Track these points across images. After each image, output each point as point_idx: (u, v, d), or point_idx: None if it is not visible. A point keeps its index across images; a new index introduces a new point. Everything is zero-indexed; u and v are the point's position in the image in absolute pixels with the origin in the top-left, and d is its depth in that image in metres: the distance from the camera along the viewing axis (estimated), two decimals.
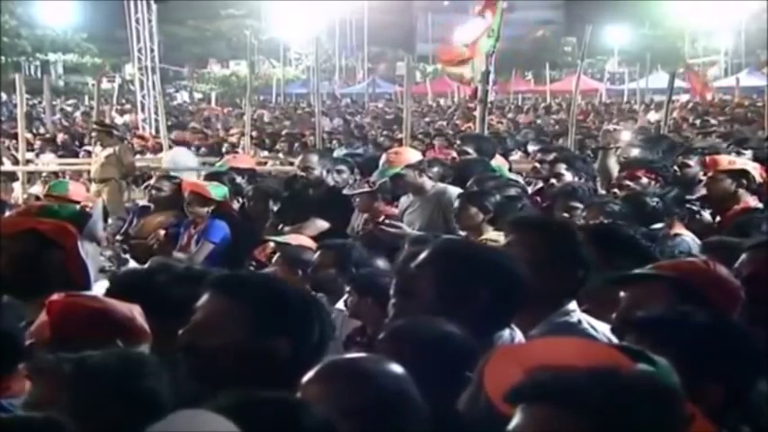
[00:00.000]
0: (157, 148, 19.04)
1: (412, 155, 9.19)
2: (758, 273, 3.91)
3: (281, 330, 3.25)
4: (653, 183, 8.59)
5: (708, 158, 9.03)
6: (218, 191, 9.16)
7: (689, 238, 6.89)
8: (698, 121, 24.82)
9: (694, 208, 7.86)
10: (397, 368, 2.95)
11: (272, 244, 8.15)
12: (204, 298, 3.34)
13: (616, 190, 8.33)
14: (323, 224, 9.02)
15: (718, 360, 3.00)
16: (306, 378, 2.91)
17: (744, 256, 4.08)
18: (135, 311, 3.57)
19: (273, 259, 7.73)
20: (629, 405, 2.37)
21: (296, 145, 19.57)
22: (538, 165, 10.22)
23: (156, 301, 3.70)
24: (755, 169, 8.63)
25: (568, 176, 9.05)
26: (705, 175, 9.48)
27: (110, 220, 10.69)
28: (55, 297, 3.65)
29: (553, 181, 8.98)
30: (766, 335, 3.58)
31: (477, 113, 14.47)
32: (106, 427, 2.90)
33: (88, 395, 2.93)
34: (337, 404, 2.74)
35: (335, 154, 13.93)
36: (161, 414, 2.36)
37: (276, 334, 3.24)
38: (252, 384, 2.66)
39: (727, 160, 8.81)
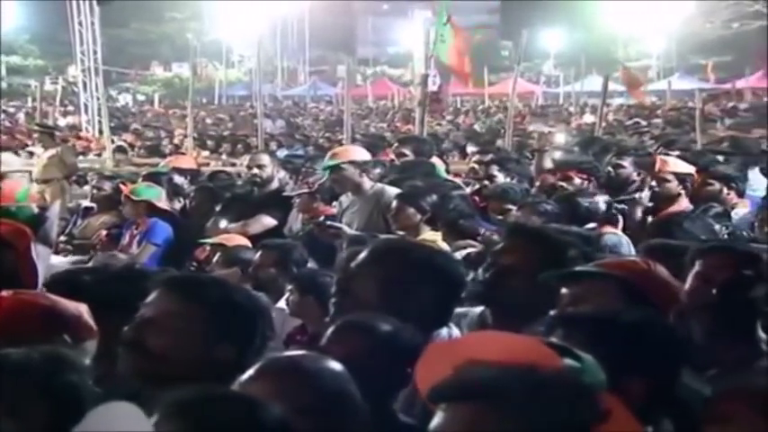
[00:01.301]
0: (100, 149, 18.95)
1: (360, 153, 9.20)
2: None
3: (230, 336, 3.24)
4: (586, 183, 8.67)
5: (659, 159, 9.12)
6: (149, 192, 9.16)
7: (619, 236, 6.93)
8: (631, 123, 25.05)
9: (624, 207, 7.91)
10: (336, 366, 2.94)
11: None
12: (155, 296, 3.32)
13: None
14: (269, 221, 9.02)
15: (643, 356, 3.02)
16: (245, 376, 2.90)
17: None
18: (82, 309, 3.55)
19: (215, 259, 7.72)
20: (549, 402, 2.39)
21: (238, 146, 19.54)
22: (476, 166, 10.28)
23: (93, 299, 3.67)
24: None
25: (501, 178, 9.10)
26: (638, 175, 9.57)
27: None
28: (3, 294, 3.63)
29: (486, 182, 9.04)
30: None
31: (416, 115, 14.53)
32: (30, 425, 2.87)
33: (10, 392, 2.90)
34: (277, 402, 2.71)
35: (278, 155, 13.92)
36: (86, 411, 2.36)
37: (224, 339, 3.23)
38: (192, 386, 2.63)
39: (673, 162, 8.90)
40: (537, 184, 9.42)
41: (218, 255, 7.62)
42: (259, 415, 2.49)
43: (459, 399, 2.42)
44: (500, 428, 2.37)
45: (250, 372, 2.92)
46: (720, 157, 10.27)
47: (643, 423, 2.76)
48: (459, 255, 5.63)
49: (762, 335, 3.87)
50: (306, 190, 8.79)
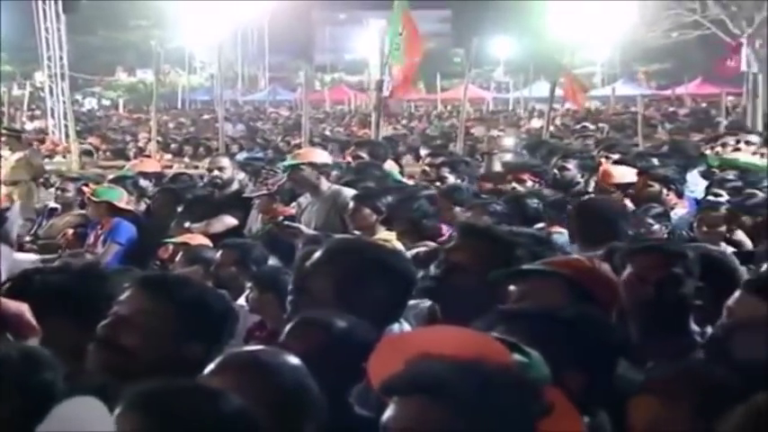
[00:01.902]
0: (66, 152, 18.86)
1: (318, 156, 9.21)
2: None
3: (199, 335, 3.22)
4: (535, 185, 8.72)
5: (602, 170, 9.20)
6: (109, 193, 9.15)
7: (566, 236, 6.96)
8: (578, 127, 25.17)
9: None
10: (294, 360, 2.93)
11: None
12: (128, 294, 3.29)
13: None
14: (231, 220, 9.01)
15: (582, 351, 3.04)
16: (207, 370, 2.89)
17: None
18: (23, 308, 3.52)
19: (177, 258, 7.70)
20: (497, 396, 2.39)
21: (200, 149, 19.48)
22: (427, 168, 10.32)
23: (57, 298, 3.63)
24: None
25: (451, 179, 9.14)
26: (582, 177, 9.62)
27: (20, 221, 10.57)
28: None
29: (437, 183, 9.08)
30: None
31: (372, 120, 14.52)
32: (4, 421, 2.84)
33: None
34: (237, 395, 2.69)
35: (238, 158, 13.89)
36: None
37: (193, 338, 3.21)
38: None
39: (618, 173, 8.97)
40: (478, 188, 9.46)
41: (180, 253, 7.60)
42: (220, 405, 2.48)
43: (411, 392, 2.42)
44: (450, 421, 2.37)
45: (211, 366, 2.91)
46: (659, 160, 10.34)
47: (581, 414, 2.78)
48: (409, 253, 5.63)
49: (695, 328, 3.91)
50: (265, 191, 8.78)
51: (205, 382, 2.83)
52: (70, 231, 9.17)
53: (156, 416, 2.42)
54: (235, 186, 9.48)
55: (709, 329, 3.89)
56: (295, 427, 2.85)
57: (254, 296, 5.82)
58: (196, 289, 3.38)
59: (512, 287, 3.76)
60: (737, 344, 3.17)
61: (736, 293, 3.32)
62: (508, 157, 10.37)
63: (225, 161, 9.78)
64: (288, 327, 3.50)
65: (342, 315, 3.49)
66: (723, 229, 7.23)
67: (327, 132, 26.72)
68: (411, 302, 4.35)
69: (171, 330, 3.20)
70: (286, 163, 9.01)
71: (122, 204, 9.08)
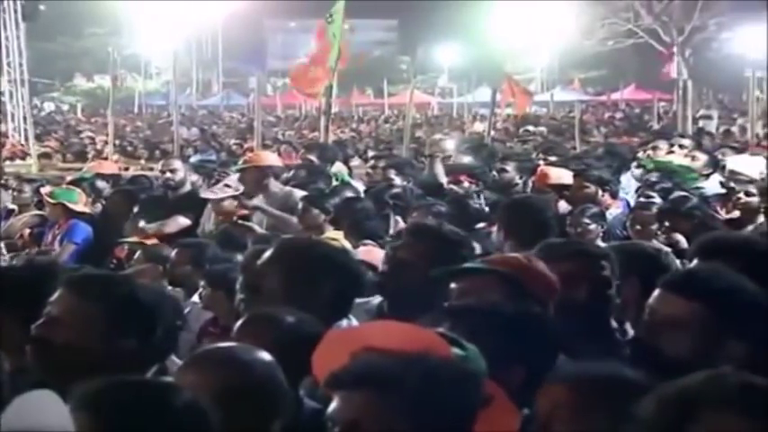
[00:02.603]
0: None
1: (270, 159, 9.22)
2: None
3: (131, 330, 3.17)
4: (474, 186, 8.73)
5: (540, 171, 9.24)
6: (65, 195, 9.10)
7: None
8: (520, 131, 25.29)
9: None
10: (266, 355, 2.91)
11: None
12: (58, 295, 3.24)
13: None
14: (184, 221, 8.96)
15: (521, 346, 3.04)
16: (182, 365, 2.88)
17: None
18: None
19: (135, 256, 7.65)
20: (438, 388, 2.40)
21: (156, 152, 19.36)
22: (371, 170, 10.33)
23: (5, 295, 3.58)
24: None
25: (398, 181, 9.15)
26: (521, 179, 9.66)
27: None
28: None
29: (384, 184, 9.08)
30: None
31: (321, 123, 14.51)
32: None
33: None
34: (213, 389, 2.70)
35: (191, 160, 13.84)
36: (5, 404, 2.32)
37: (124, 335, 3.15)
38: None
39: (554, 175, 9.01)
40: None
41: (138, 252, 7.57)
42: (170, 398, 2.46)
43: (355, 385, 2.42)
44: (393, 413, 2.37)
45: (186, 360, 2.89)
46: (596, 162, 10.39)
47: (520, 406, 2.79)
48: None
49: (615, 325, 3.93)
50: (232, 193, 8.73)
51: (180, 376, 2.81)
52: (27, 232, 9.12)
53: (105, 413, 2.39)
54: (187, 187, 9.43)
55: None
56: (267, 421, 2.83)
57: (206, 294, 5.80)
58: (124, 285, 3.31)
59: (453, 284, 3.77)
60: (659, 341, 3.19)
61: (656, 292, 3.33)
62: (451, 159, 10.39)
63: (177, 163, 9.73)
64: (238, 323, 3.49)
65: (290, 311, 3.47)
66: (655, 227, 7.30)
67: (279, 136, 26.64)
68: (361, 300, 4.36)
69: (102, 327, 3.14)
70: (238, 167, 9.02)
71: (78, 207, 9.03)
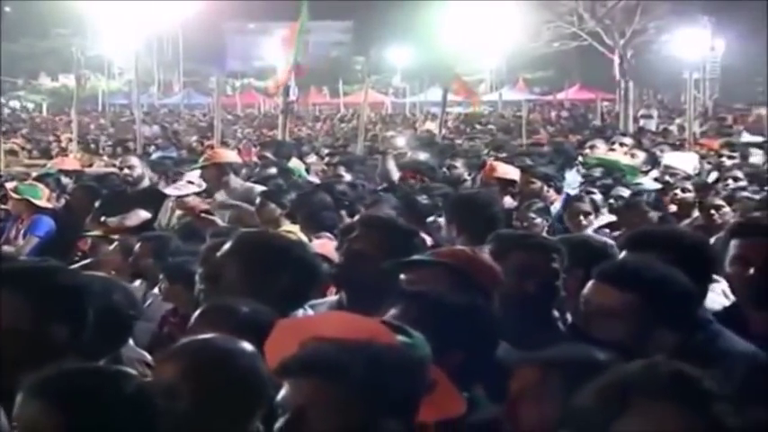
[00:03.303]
0: None
1: (230, 156, 9.23)
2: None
3: (56, 317, 3.11)
4: (424, 182, 8.76)
5: (489, 164, 9.27)
6: (29, 190, 9.05)
7: None
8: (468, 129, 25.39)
9: None
10: (249, 347, 2.89)
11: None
12: None
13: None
14: (145, 214, 8.93)
15: (463, 332, 3.07)
16: (161, 356, 2.88)
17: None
18: None
19: (108, 248, 7.61)
20: (384, 374, 2.41)
21: (118, 149, 19.24)
22: (325, 167, 10.36)
23: None
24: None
25: (347, 177, 9.17)
26: (470, 175, 9.70)
27: None
28: None
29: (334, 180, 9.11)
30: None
31: (279, 122, 14.50)
32: None
33: None
34: (195, 380, 2.72)
35: (153, 157, 13.78)
36: None
37: (55, 321, 3.10)
38: (34, 368, 2.55)
39: (501, 169, 9.05)
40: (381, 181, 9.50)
41: (115, 245, 7.54)
42: (120, 385, 2.45)
43: (303, 373, 2.43)
44: (339, 399, 2.38)
45: (166, 352, 2.88)
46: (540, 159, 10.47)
47: (460, 389, 2.82)
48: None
49: (556, 315, 3.97)
50: (195, 189, 8.71)
51: (160, 366, 2.81)
52: None
53: (56, 400, 2.38)
54: (145, 183, 9.41)
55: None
56: (250, 410, 2.80)
57: (165, 286, 5.79)
58: (43, 274, 3.26)
59: (402, 276, 3.79)
60: (593, 329, 3.23)
61: (590, 283, 3.37)
62: (405, 156, 10.44)
63: (134, 160, 9.72)
64: (196, 313, 3.49)
65: (246, 301, 3.46)
66: (592, 217, 7.40)
67: (239, 134, 26.58)
68: (319, 300, 4.38)
69: (28, 317, 3.08)
70: (200, 164, 9.04)
71: (42, 202, 8.99)
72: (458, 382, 2.79)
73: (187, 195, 8.66)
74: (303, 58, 13.64)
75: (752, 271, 3.83)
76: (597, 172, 9.66)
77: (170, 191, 8.83)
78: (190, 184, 8.74)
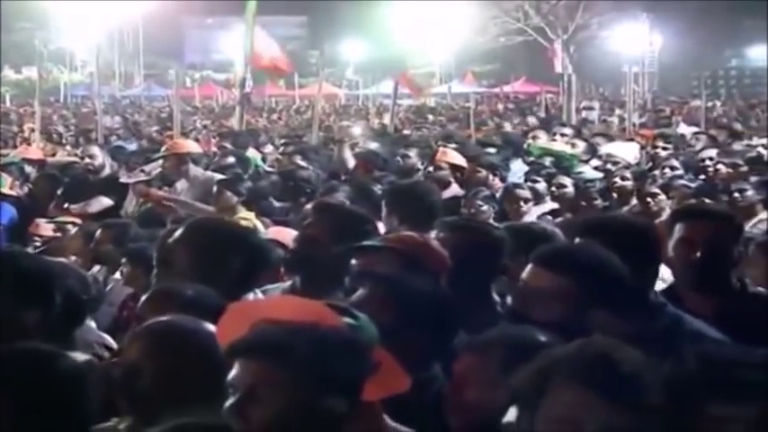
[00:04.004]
0: None
1: (191, 146, 9.24)
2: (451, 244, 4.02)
3: (27, 303, 3.13)
4: (376, 171, 8.77)
5: (440, 150, 9.30)
6: None
7: None
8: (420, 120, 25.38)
9: None
10: (208, 327, 2.89)
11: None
12: None
13: None
14: (107, 201, 8.89)
15: (423, 314, 3.08)
16: (129, 337, 2.87)
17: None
18: None
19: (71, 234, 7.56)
20: (330, 355, 2.42)
21: (80, 139, 19.06)
22: (279, 156, 10.34)
23: None
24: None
25: (302, 165, 9.18)
26: (422, 164, 9.72)
27: None
28: None
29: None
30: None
31: (236, 113, 14.44)
32: None
33: None
34: (157, 360, 2.72)
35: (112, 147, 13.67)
36: None
37: (27, 305, 3.12)
38: None
39: (450, 154, 9.08)
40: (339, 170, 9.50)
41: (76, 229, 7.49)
42: (53, 365, 2.44)
43: (251, 354, 2.43)
44: (286, 379, 2.39)
45: (132, 332, 2.87)
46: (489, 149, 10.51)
47: (417, 369, 2.83)
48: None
49: (496, 298, 3.98)
50: (143, 177, 8.69)
51: (127, 346, 2.80)
52: None
53: None
54: (107, 171, 9.38)
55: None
56: (211, 390, 2.75)
57: (126, 270, 5.77)
58: (12, 260, 3.28)
59: (354, 261, 3.79)
60: (530, 311, 3.24)
61: (528, 266, 3.38)
62: (358, 146, 10.44)
63: (95, 149, 9.74)
64: (143, 297, 3.48)
65: (191, 285, 3.46)
66: (530, 204, 7.46)
67: (198, 125, 26.40)
68: (272, 286, 4.38)
69: (4, 302, 3.09)
70: (161, 154, 9.04)
71: (5, 190, 8.92)
72: (420, 361, 2.80)
73: (137, 182, 8.65)
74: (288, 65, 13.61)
75: (696, 253, 3.89)
76: (548, 160, 9.71)
77: (123, 179, 8.84)
78: (141, 172, 8.75)
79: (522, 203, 7.48)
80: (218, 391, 2.73)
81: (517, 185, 7.90)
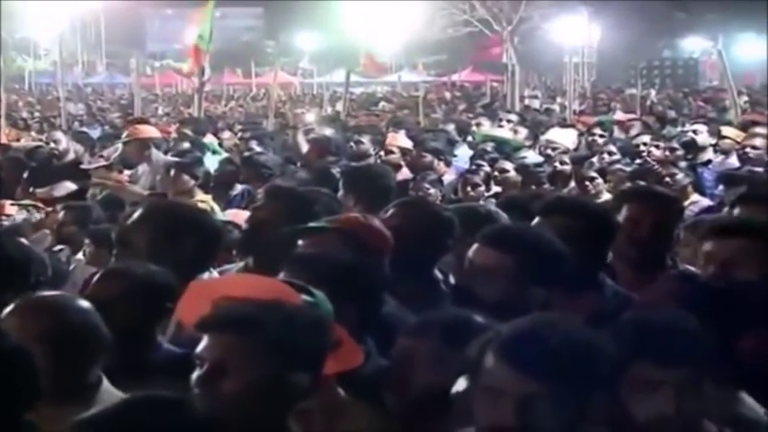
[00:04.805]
0: None
1: (151, 131, 9.20)
2: (399, 224, 4.03)
3: (11, 286, 3.14)
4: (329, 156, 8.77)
5: (389, 135, 9.34)
6: None
7: None
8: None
9: None
10: (83, 303, 2.91)
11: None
12: None
13: None
14: (71, 185, 8.84)
15: (353, 287, 3.08)
16: (7, 311, 2.84)
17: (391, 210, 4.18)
18: None
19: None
20: (294, 331, 2.43)
21: (45, 125, 18.86)
22: (238, 142, 10.31)
23: None
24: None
25: (257, 150, 9.16)
26: (374, 150, 9.73)
27: None
28: None
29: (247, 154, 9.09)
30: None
31: (195, 100, 14.39)
32: None
33: None
34: (33, 332, 2.70)
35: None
36: None
37: (5, 289, 3.13)
38: None
39: (399, 138, 9.12)
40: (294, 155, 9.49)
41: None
42: None
43: (221, 328, 2.44)
44: (255, 354, 2.40)
45: (10, 307, 2.87)
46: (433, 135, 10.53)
47: (359, 344, 2.85)
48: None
49: (438, 275, 4.00)
50: (103, 162, 8.63)
51: (4, 321, 2.78)
52: None
53: None
54: (71, 156, 9.31)
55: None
56: (84, 361, 2.84)
57: (90, 251, 5.74)
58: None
59: (301, 242, 3.80)
60: (475, 288, 3.27)
61: (474, 245, 3.41)
62: (312, 133, 10.43)
63: (59, 135, 9.69)
64: (95, 277, 3.48)
65: (142, 265, 3.46)
66: (482, 189, 7.50)
67: (159, 111, 26.23)
68: (228, 266, 4.38)
69: None
70: (123, 139, 9.00)
71: None
72: (357, 339, 2.82)
73: (97, 168, 8.60)
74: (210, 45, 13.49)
75: (641, 232, 3.93)
76: (490, 146, 9.75)
77: (84, 164, 8.80)
78: (100, 158, 8.70)
79: (474, 188, 7.53)
80: (93, 362, 2.81)
81: (471, 171, 7.96)
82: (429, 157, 8.63)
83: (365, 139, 9.88)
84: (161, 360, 3.20)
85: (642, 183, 7.02)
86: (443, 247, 4.00)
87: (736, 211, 4.43)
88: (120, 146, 8.88)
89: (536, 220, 3.82)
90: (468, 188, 7.58)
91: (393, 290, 3.38)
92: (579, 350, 2.23)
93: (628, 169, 8.14)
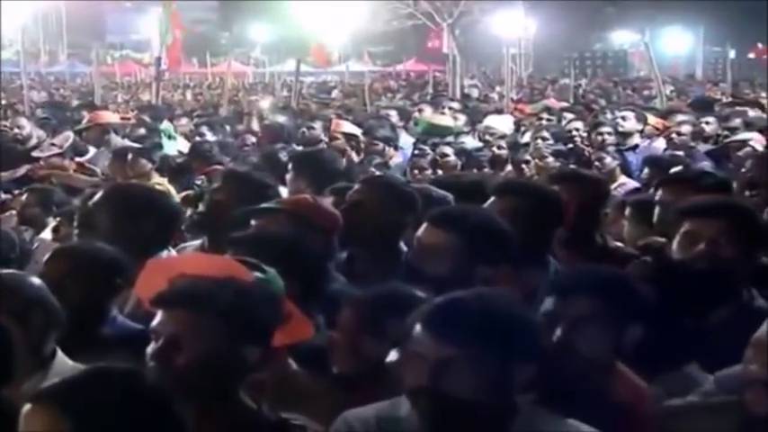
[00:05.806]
0: None
1: (110, 117, 9.15)
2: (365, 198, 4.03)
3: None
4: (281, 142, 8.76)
5: (334, 121, 9.32)
6: None
7: None
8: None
9: None
10: (35, 280, 2.94)
11: None
12: None
13: None
14: None
15: (296, 264, 3.08)
16: None
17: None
18: None
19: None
20: (248, 307, 2.43)
21: (8, 111, 18.57)
22: (193, 127, 10.25)
23: None
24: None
25: (209, 136, 9.12)
26: (326, 136, 9.72)
27: None
28: None
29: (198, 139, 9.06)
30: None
31: (153, 88, 14.29)
32: None
33: None
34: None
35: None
36: None
37: None
38: None
39: (344, 124, 9.12)
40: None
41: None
42: None
43: (176, 304, 2.43)
44: (209, 329, 2.40)
45: None
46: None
47: (309, 318, 2.85)
48: None
49: (403, 248, 4.01)
50: (56, 151, 8.51)
51: None
52: None
53: None
54: (33, 141, 9.22)
55: None
56: (40, 333, 2.84)
57: (63, 230, 5.70)
58: None
59: (252, 222, 3.80)
60: (424, 265, 3.29)
61: (422, 225, 3.42)
62: (265, 120, 10.39)
63: (22, 121, 9.62)
64: (47, 255, 3.47)
65: (90, 243, 3.48)
66: (429, 171, 7.54)
67: (119, 99, 25.93)
68: (184, 244, 4.37)
69: None
70: (82, 126, 8.92)
71: None
72: (306, 313, 2.81)
73: (49, 156, 8.49)
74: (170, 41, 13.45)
75: (569, 212, 3.97)
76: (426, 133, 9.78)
77: (36, 153, 8.69)
78: (53, 146, 8.59)
79: (422, 171, 7.61)
80: (49, 334, 2.84)
81: (420, 155, 8.05)
82: (380, 145, 8.69)
83: (317, 125, 9.87)
84: (116, 334, 3.20)
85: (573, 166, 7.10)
86: (407, 222, 3.98)
87: (659, 192, 4.48)
88: (70, 134, 8.79)
89: (490, 200, 3.82)
90: (416, 171, 7.63)
91: (358, 261, 3.38)
92: (497, 319, 2.23)
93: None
